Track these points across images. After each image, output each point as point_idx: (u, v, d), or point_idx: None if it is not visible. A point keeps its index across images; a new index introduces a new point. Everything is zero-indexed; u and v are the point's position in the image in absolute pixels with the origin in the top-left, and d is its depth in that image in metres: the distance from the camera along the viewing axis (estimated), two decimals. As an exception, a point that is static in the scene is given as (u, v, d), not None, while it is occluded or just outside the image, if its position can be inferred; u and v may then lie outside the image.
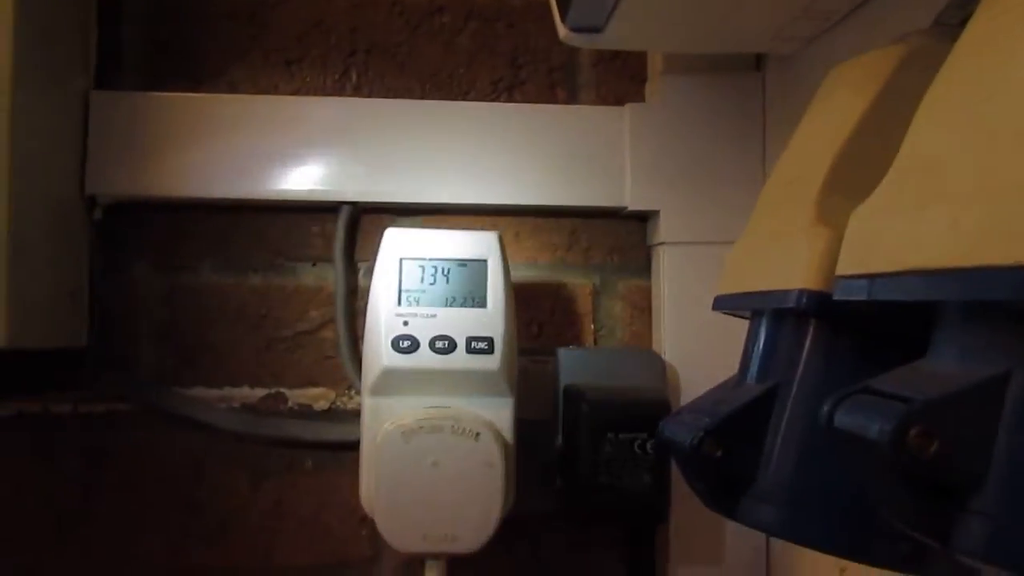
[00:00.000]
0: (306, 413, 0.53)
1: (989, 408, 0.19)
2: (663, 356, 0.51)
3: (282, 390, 0.53)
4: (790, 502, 0.28)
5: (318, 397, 0.53)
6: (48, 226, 0.45)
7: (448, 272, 0.43)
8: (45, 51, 0.45)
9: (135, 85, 0.52)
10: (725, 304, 0.33)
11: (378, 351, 0.41)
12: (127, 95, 0.51)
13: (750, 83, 0.52)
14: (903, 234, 0.21)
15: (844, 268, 0.24)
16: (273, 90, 0.54)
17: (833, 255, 0.26)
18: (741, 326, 0.32)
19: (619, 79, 0.55)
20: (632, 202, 0.52)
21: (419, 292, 0.42)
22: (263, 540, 0.52)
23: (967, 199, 0.19)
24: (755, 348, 0.31)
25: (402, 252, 0.43)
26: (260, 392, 0.53)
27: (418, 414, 0.40)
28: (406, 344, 0.41)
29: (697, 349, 0.51)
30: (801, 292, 0.26)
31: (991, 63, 0.20)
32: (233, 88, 0.53)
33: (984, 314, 0.19)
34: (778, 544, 0.51)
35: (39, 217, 0.44)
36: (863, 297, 0.22)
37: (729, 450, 0.29)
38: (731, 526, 0.50)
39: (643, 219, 0.55)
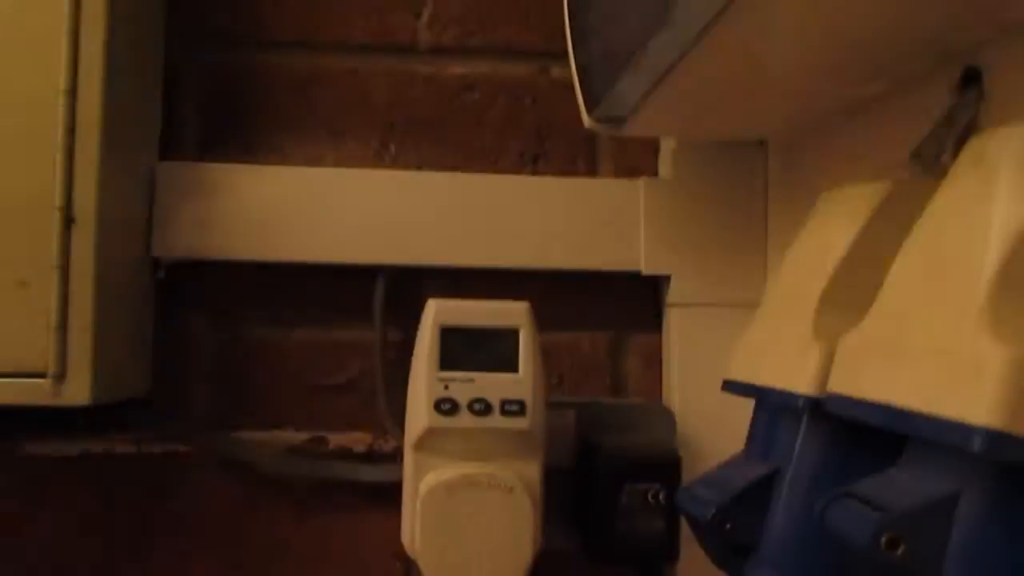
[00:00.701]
0: (346, 455, 0.58)
1: (944, 519, 0.24)
2: (673, 410, 0.57)
3: (324, 434, 0.58)
4: (785, 567, 0.33)
5: (357, 441, 0.58)
6: (122, 288, 0.50)
7: (484, 340, 0.48)
8: (124, 127, 0.50)
9: (194, 154, 0.58)
10: (735, 388, 0.38)
11: (421, 411, 0.47)
12: (188, 165, 0.56)
13: (754, 159, 0.58)
14: (881, 371, 0.26)
15: (836, 385, 0.29)
16: (319, 159, 0.59)
17: (826, 367, 0.31)
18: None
19: (635, 152, 0.60)
20: (646, 267, 0.58)
21: (458, 358, 0.47)
22: (308, 572, 0.57)
23: (926, 357, 0.24)
24: (759, 432, 0.36)
25: (443, 321, 0.48)
26: (304, 435, 0.58)
27: (459, 469, 0.45)
28: (447, 407, 0.46)
29: (704, 403, 0.56)
30: (801, 397, 0.31)
31: (951, 239, 0.26)
32: (283, 156, 0.59)
33: (942, 447, 0.24)
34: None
35: (116, 280, 0.49)
36: (850, 415, 0.28)
37: (737, 522, 0.34)
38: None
39: (655, 281, 0.60)
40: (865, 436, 0.31)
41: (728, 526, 0.34)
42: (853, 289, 0.32)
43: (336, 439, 0.58)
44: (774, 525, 0.33)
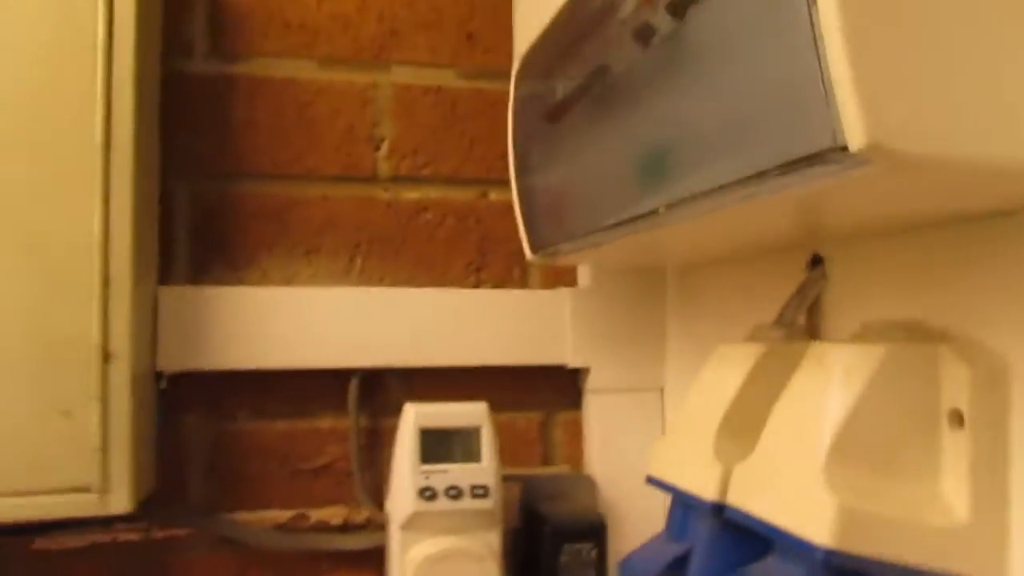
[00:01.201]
0: (325, 528, 0.68)
1: (805, 598, 0.38)
2: (593, 474, 0.70)
3: (305, 511, 0.68)
4: (699, 618, 0.47)
5: (334, 515, 0.68)
6: (144, 404, 0.59)
7: (454, 437, 0.60)
8: (144, 269, 0.58)
9: (187, 274, 0.67)
10: (656, 484, 0.51)
11: (408, 498, 0.58)
12: (183, 289, 0.65)
13: (656, 277, 0.72)
14: (763, 498, 0.40)
15: (732, 498, 0.43)
16: (295, 276, 0.69)
17: (725, 481, 0.45)
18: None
19: (559, 267, 0.74)
20: (572, 361, 0.71)
21: (434, 453, 0.59)
22: (291, 629, 0.67)
23: (791, 493, 0.38)
24: (676, 519, 0.50)
25: (421, 424, 0.59)
26: (289, 513, 0.68)
27: (440, 545, 0.57)
28: (429, 494, 0.58)
29: (617, 468, 0.70)
30: (708, 503, 0.45)
31: (804, 414, 0.40)
32: (263, 274, 0.68)
33: (793, 550, 0.38)
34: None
35: (138, 393, 0.58)
36: (744, 523, 0.42)
37: (664, 587, 0.47)
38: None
39: (577, 372, 0.73)
40: (749, 533, 0.45)
41: (659, 591, 0.47)
42: (741, 422, 0.46)
43: (316, 514, 0.68)
44: (690, 589, 0.47)
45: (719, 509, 0.45)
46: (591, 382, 0.71)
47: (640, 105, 0.43)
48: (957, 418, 0.38)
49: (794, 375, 0.43)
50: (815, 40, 0.29)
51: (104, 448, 0.54)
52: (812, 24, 0.29)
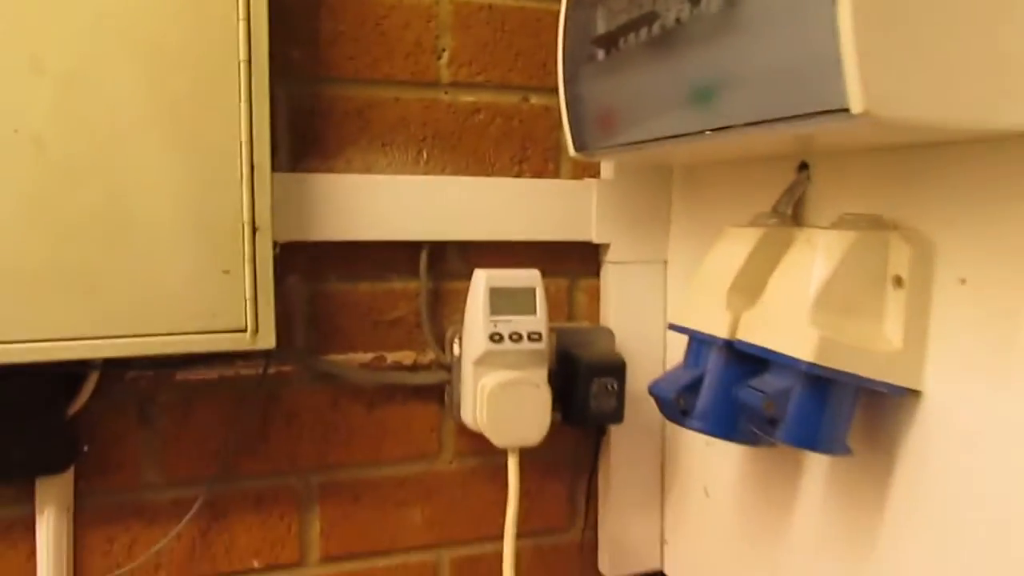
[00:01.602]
0: (398, 367, 0.86)
1: (787, 396, 0.57)
2: (611, 328, 0.89)
3: (384, 353, 0.85)
4: (704, 420, 0.66)
5: (405, 357, 0.86)
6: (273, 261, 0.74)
7: (515, 295, 0.77)
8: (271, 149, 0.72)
9: (287, 165, 0.81)
10: (678, 329, 0.70)
11: (480, 341, 0.76)
12: (287, 176, 0.79)
13: (665, 172, 0.89)
14: (764, 333, 0.59)
15: (740, 335, 0.62)
16: (374, 165, 0.83)
17: (734, 324, 0.63)
18: (658, 314, 0.70)
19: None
20: (596, 237, 0.88)
21: (501, 307, 0.76)
22: (374, 444, 0.86)
23: (785, 330, 0.57)
24: (692, 354, 0.68)
25: (491, 283, 0.76)
26: (370, 355, 0.85)
27: (507, 376, 0.75)
28: (497, 337, 0.76)
29: (629, 324, 0.89)
30: (721, 339, 0.64)
31: (796, 278, 0.58)
32: (348, 164, 0.83)
33: (789, 367, 0.57)
34: (668, 432, 0.91)
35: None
36: (748, 350, 0.60)
37: (684, 399, 0.66)
38: (644, 424, 0.90)
39: (598, 247, 0.90)
40: (748, 360, 0.64)
41: (680, 401, 0.66)
42: (746, 284, 0.64)
43: (391, 356, 0.86)
44: (701, 400, 0.66)
45: (729, 344, 0.64)
46: (610, 255, 0.89)
47: (689, 52, 0.58)
48: (898, 281, 0.57)
49: (788, 250, 0.61)
50: (834, 27, 0.45)
51: (255, 298, 0.69)
52: (832, 14, 0.45)
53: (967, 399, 0.54)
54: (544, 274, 0.88)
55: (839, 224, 0.60)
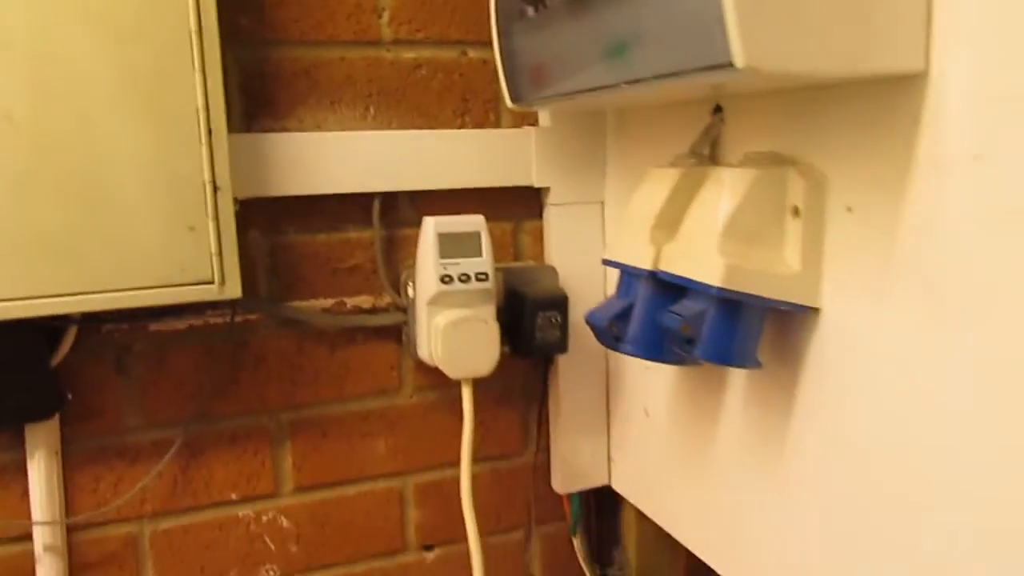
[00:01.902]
0: (358, 311, 0.92)
1: (703, 318, 0.65)
2: (555, 267, 0.96)
3: (343, 298, 0.92)
4: (636, 343, 0.74)
5: (364, 301, 0.92)
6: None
7: (462, 239, 0.83)
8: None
9: (241, 126, 0.85)
10: (610, 263, 0.77)
11: (431, 283, 0.82)
12: (241, 136, 0.83)
13: (599, 118, 0.95)
14: (682, 263, 0.66)
15: (661, 265, 0.69)
16: (324, 123, 0.88)
17: (656, 256, 0.70)
18: (597, 251, 0.77)
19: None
20: (536, 182, 0.94)
21: (449, 250, 0.83)
22: (337, 383, 0.93)
23: (690, 255, 0.64)
24: (623, 286, 0.76)
25: (438, 229, 0.83)
26: (331, 301, 0.91)
27: (458, 314, 0.82)
28: (447, 279, 0.82)
29: (569, 262, 0.96)
30: (645, 270, 0.71)
31: (700, 211, 0.65)
32: (300, 122, 0.88)
33: (702, 292, 0.65)
34: (611, 359, 0.99)
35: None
36: (669, 279, 0.68)
37: (616, 326, 0.74)
38: (588, 352, 0.98)
39: (539, 191, 0.97)
40: (668, 288, 0.71)
41: (613, 328, 0.74)
42: (666, 220, 0.71)
43: (351, 301, 0.92)
44: (631, 327, 0.74)
45: (653, 274, 0.71)
46: (551, 198, 0.95)
47: (604, 12, 0.64)
48: (796, 211, 0.64)
49: (701, 188, 0.68)
50: (722, -9, 0.51)
51: (219, 252, 0.75)
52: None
53: (855, 314, 0.62)
54: (490, 218, 0.94)
55: (744, 162, 0.67)
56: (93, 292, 0.71)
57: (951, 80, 0.53)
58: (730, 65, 0.50)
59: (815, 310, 0.66)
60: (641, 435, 0.95)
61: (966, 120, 0.52)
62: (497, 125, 0.95)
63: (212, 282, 0.75)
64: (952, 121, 0.53)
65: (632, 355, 0.74)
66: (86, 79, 0.69)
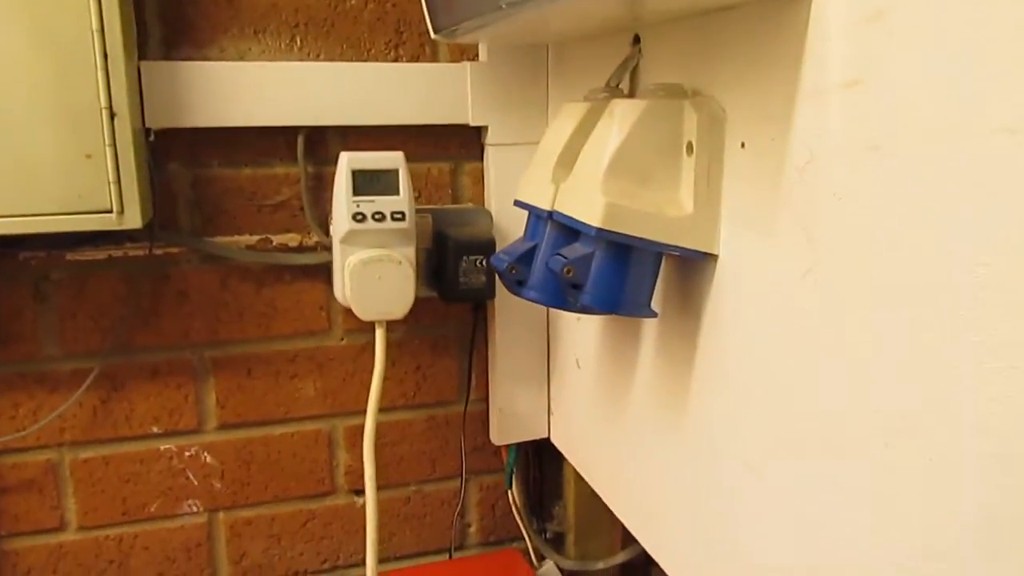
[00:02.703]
0: (284, 249, 0.90)
1: (589, 260, 0.61)
2: (491, 210, 0.92)
3: (269, 236, 0.90)
4: (538, 289, 0.70)
5: (291, 239, 0.90)
6: (139, 150, 0.78)
7: (378, 176, 0.80)
8: (129, 48, 0.75)
9: (160, 54, 0.83)
10: (519, 205, 0.73)
11: (344, 221, 0.79)
12: (159, 64, 0.81)
13: (539, 52, 0.90)
14: (571, 203, 0.62)
15: (560, 207, 0.65)
16: (247, 53, 0.86)
17: (554, 197, 0.66)
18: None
19: (463, 44, 0.91)
20: (472, 120, 0.90)
21: (363, 188, 0.80)
22: (264, 322, 0.91)
23: (582, 197, 0.60)
24: (529, 227, 0.72)
25: (353, 166, 0.80)
26: (256, 238, 0.89)
27: (369, 253, 0.80)
28: (360, 217, 0.79)
29: (508, 205, 0.92)
30: (545, 211, 0.67)
31: (594, 145, 0.61)
32: (222, 51, 0.85)
33: (588, 235, 0.61)
34: (552, 310, 0.96)
35: (136, 142, 0.76)
36: (561, 221, 0.64)
37: (518, 269, 0.70)
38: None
39: (479, 129, 0.93)
40: (569, 231, 0.67)
41: (513, 272, 0.70)
42: (568, 158, 0.67)
43: (277, 239, 0.90)
44: (534, 270, 0.70)
45: (550, 215, 0.67)
46: (489, 138, 0.91)
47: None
48: (690, 148, 0.60)
49: (598, 123, 0.64)
50: None
51: (118, 181, 0.73)
52: None
53: (750, 258, 0.57)
54: (427, 158, 0.91)
55: (641, 94, 0.63)
56: (-19, 216, 0.70)
57: (831, -1, 0.48)
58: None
59: (712, 256, 0.61)
60: (573, 387, 0.92)
61: (843, 42, 0.47)
62: (434, 60, 0.91)
63: (111, 211, 0.74)
64: (830, 44, 0.48)
65: (533, 301, 0.70)
66: (-34, -5, 0.67)
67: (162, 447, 0.90)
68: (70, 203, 0.73)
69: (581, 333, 0.88)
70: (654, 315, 0.64)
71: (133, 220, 0.75)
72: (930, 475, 0.42)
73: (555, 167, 0.68)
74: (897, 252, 0.44)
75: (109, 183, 0.73)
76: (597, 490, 0.87)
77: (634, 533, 0.78)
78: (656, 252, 0.62)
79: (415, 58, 0.90)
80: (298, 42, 0.87)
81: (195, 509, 0.92)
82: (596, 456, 0.86)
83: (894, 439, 0.44)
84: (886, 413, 0.45)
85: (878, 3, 0.44)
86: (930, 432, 0.42)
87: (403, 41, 0.90)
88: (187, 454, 0.91)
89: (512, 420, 0.98)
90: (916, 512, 0.43)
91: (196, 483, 0.91)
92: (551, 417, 1.00)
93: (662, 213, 0.60)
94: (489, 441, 1.01)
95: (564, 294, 0.67)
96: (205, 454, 0.91)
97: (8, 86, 0.69)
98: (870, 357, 0.46)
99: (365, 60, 0.89)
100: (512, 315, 0.95)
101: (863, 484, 0.47)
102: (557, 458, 1.03)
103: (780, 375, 0.55)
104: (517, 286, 0.72)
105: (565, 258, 0.62)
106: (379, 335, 0.83)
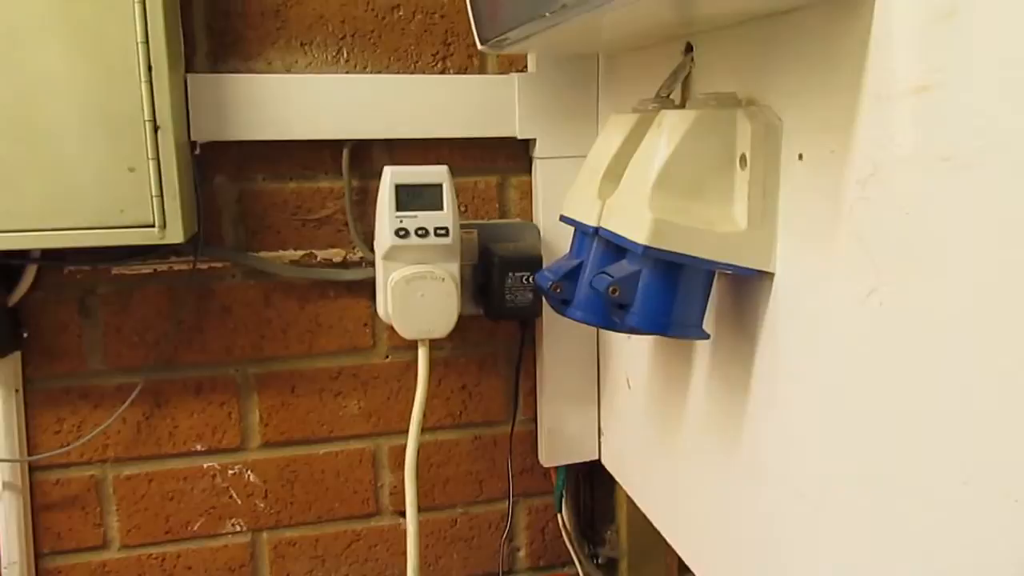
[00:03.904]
0: (328, 264, 0.89)
1: (636, 279, 0.57)
2: (539, 226, 0.89)
3: (314, 251, 0.88)
4: (583, 308, 0.67)
5: (335, 254, 0.89)
6: (184, 164, 0.77)
7: (422, 191, 0.78)
8: (174, 61, 0.74)
9: (207, 66, 0.83)
10: (565, 220, 0.70)
11: (386, 236, 0.78)
12: (205, 76, 0.81)
13: (590, 62, 0.87)
14: (618, 220, 0.59)
15: (606, 223, 0.62)
16: (294, 65, 0.85)
17: (601, 213, 0.63)
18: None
19: (512, 55, 0.89)
20: (520, 133, 0.88)
21: (407, 203, 0.78)
22: (307, 338, 0.90)
23: (627, 214, 0.57)
24: (575, 243, 0.69)
25: (396, 180, 0.78)
26: (300, 252, 0.88)
27: (412, 270, 0.77)
28: (402, 233, 0.77)
29: (555, 221, 0.89)
30: (591, 227, 0.64)
31: (640, 163, 0.58)
32: (269, 64, 0.84)
33: (635, 253, 0.57)
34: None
35: (182, 160, 0.76)
36: (607, 238, 0.60)
37: (563, 287, 0.67)
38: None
39: (526, 143, 0.90)
40: (616, 247, 0.64)
41: (558, 290, 0.67)
42: (616, 171, 0.64)
43: (321, 254, 0.88)
44: (579, 289, 0.67)
45: (596, 231, 0.64)
46: (538, 151, 0.89)
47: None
48: (743, 160, 0.56)
49: (647, 135, 0.61)
50: None
51: (160, 195, 0.73)
52: None
53: (808, 277, 0.53)
54: (474, 171, 0.89)
55: (692, 104, 0.59)
56: (26, 230, 0.70)
57: (898, -3, 0.44)
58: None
59: (768, 274, 0.57)
60: (623, 408, 0.88)
61: (911, 44, 0.43)
62: (483, 72, 0.89)
63: (153, 225, 0.73)
64: (896, 46, 0.44)
65: (579, 320, 0.67)
66: (18, 7, 0.68)
67: (205, 465, 0.89)
68: (112, 217, 0.73)
69: (631, 352, 0.84)
70: (706, 336, 0.61)
71: (175, 235, 0.74)
72: (1017, 518, 0.38)
73: (601, 181, 0.65)
74: (971, 273, 0.40)
75: (151, 197, 0.73)
76: (648, 515, 0.83)
77: (687, 561, 0.74)
78: (707, 270, 0.58)
79: (463, 70, 0.88)
80: (345, 54, 0.86)
81: (239, 528, 0.91)
82: (646, 480, 0.82)
83: (973, 477, 0.40)
84: (961, 448, 0.41)
85: (950, 0, 0.40)
86: (1013, 469, 0.38)
87: (451, 53, 0.88)
88: (230, 472, 0.90)
89: (561, 441, 0.95)
90: (999, 557, 0.39)
91: (240, 502, 0.90)
92: (602, 438, 0.96)
93: (713, 229, 0.56)
94: (538, 462, 0.98)
95: (610, 314, 0.64)
96: (248, 472, 0.90)
97: (51, 97, 0.70)
98: (940, 386, 0.42)
99: (412, 72, 0.87)
100: (560, 333, 0.91)
101: (932, 524, 0.43)
102: (608, 480, 0.99)
103: (840, 402, 0.50)
104: (562, 305, 0.69)
105: (611, 276, 0.59)
106: (422, 354, 0.81)
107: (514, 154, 0.91)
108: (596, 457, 0.96)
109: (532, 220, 0.92)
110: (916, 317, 0.43)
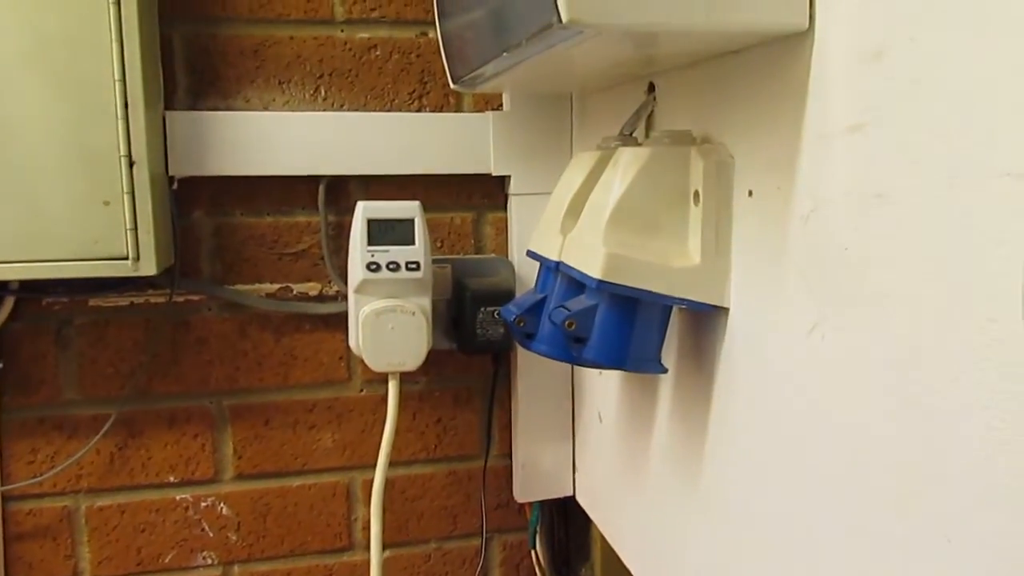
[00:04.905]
0: (304, 297, 0.90)
1: (592, 313, 0.58)
2: (513, 261, 0.91)
3: (289, 284, 0.89)
4: (546, 341, 0.68)
5: (311, 288, 0.90)
6: (159, 198, 0.79)
7: (394, 226, 0.79)
8: (151, 97, 0.76)
9: (186, 103, 0.84)
10: (531, 255, 0.71)
11: (358, 270, 0.79)
12: (185, 114, 0.83)
13: (563, 101, 0.89)
14: (576, 255, 0.60)
15: (566, 258, 0.63)
16: (272, 103, 0.87)
17: (563, 248, 0.64)
18: (537, 264, 0.71)
19: (487, 93, 0.91)
20: (495, 170, 0.89)
21: (379, 237, 0.79)
22: (282, 371, 0.90)
23: (586, 250, 0.58)
24: (540, 277, 0.70)
25: (368, 215, 0.79)
26: (276, 286, 0.89)
27: (382, 303, 0.78)
28: (374, 267, 0.78)
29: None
30: (553, 261, 0.65)
31: (601, 193, 0.59)
32: (247, 101, 0.86)
33: (591, 288, 0.58)
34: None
35: (157, 194, 0.77)
36: (567, 272, 0.61)
37: (526, 321, 0.68)
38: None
39: (502, 179, 0.92)
40: (576, 282, 0.65)
41: (521, 324, 0.68)
42: (577, 207, 0.65)
43: (297, 287, 0.89)
44: (542, 323, 0.68)
45: (558, 266, 0.65)
46: (513, 187, 0.90)
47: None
48: (696, 196, 0.57)
49: (604, 171, 0.62)
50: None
51: (135, 228, 0.74)
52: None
53: (758, 312, 0.54)
54: (450, 207, 0.90)
55: (648, 141, 0.61)
56: (1, 262, 0.72)
57: (832, 36, 0.45)
58: (558, 22, 0.44)
59: (723, 309, 0.58)
60: (596, 443, 0.88)
61: (844, 85, 0.44)
62: (459, 110, 0.91)
63: (127, 258, 0.74)
64: (832, 86, 0.45)
65: (543, 354, 0.68)
66: (-8, 43, 0.70)
67: (178, 496, 0.89)
68: (86, 249, 0.74)
69: (604, 387, 0.85)
70: (664, 371, 0.61)
71: (148, 267, 0.75)
72: (950, 549, 0.38)
73: (564, 217, 0.66)
74: (903, 307, 0.40)
75: (126, 230, 0.74)
76: (619, 552, 0.83)
77: (654, 602, 0.74)
78: (663, 305, 0.59)
79: (439, 108, 0.90)
80: (322, 92, 0.88)
81: (210, 561, 0.90)
82: (617, 517, 0.82)
83: (909, 511, 0.40)
84: (904, 484, 0.41)
85: (878, 42, 0.41)
86: (942, 503, 0.38)
87: (427, 91, 0.90)
88: (203, 504, 0.90)
89: (535, 476, 0.95)
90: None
91: (211, 535, 0.90)
92: (576, 474, 0.96)
93: (668, 264, 0.57)
94: (513, 498, 0.97)
95: (568, 348, 0.64)
96: (221, 505, 0.90)
97: (28, 131, 0.71)
98: (882, 423, 0.42)
99: (389, 110, 0.89)
100: (534, 367, 0.92)
101: (871, 553, 0.43)
102: (583, 517, 0.99)
103: (790, 438, 0.51)
104: (526, 339, 0.69)
105: (568, 310, 0.60)
106: (392, 387, 0.82)
107: (490, 190, 0.92)
108: (571, 493, 0.96)
109: (507, 256, 0.93)
110: (854, 353, 0.44)
